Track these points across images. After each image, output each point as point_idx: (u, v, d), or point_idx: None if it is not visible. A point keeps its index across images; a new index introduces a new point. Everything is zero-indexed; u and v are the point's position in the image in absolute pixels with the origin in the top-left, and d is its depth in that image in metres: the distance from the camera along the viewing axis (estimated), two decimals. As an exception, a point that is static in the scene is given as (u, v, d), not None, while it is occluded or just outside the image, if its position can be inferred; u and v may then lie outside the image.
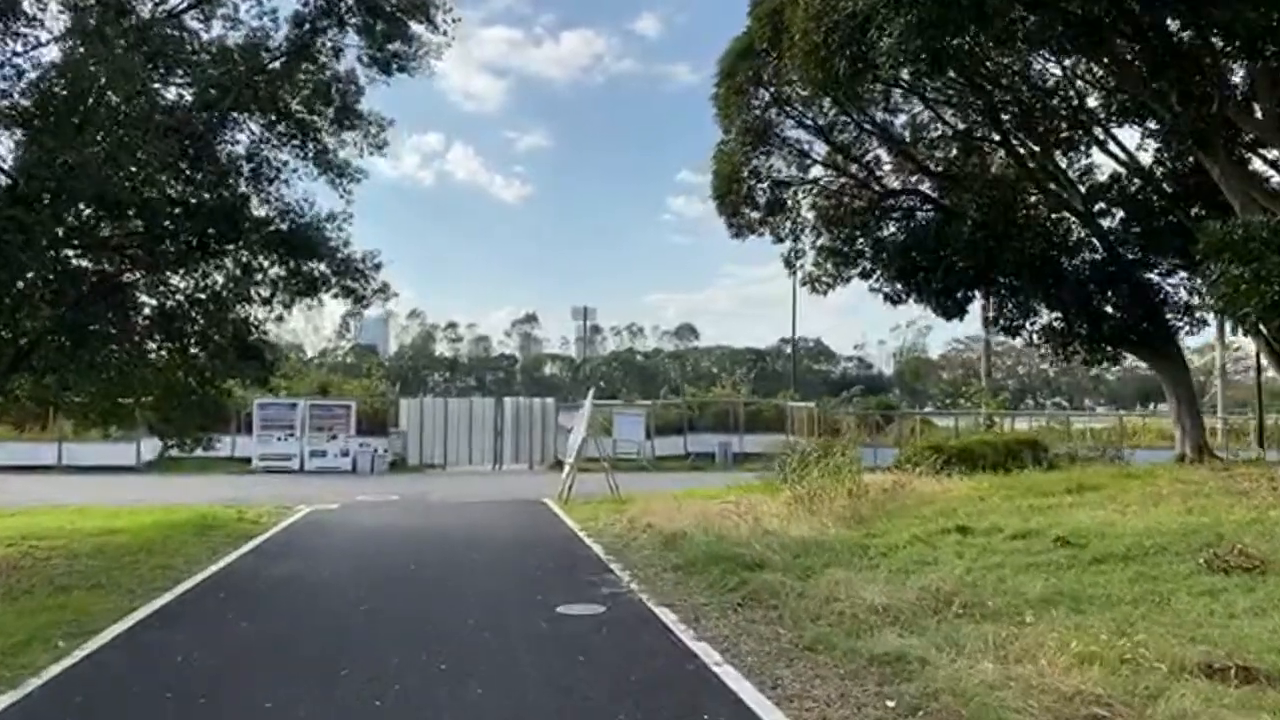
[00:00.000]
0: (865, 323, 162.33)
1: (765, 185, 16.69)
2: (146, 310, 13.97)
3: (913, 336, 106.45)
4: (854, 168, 17.14)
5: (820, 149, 17.31)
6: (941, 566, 8.93)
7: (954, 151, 16.86)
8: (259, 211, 13.64)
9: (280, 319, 15.55)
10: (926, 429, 31.02)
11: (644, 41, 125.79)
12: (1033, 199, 16.44)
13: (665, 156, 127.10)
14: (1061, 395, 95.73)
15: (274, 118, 12.40)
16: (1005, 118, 15.79)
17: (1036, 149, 16.13)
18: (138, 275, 13.18)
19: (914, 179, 16.95)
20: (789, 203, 17.12)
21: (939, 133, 17.03)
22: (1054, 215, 16.23)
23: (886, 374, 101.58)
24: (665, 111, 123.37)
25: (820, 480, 13.18)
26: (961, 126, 16.48)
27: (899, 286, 16.51)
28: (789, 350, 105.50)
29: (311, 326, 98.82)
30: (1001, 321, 16.19)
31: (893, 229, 16.68)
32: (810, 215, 17.49)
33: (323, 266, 15.00)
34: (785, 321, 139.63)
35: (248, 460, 26.53)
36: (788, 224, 17.51)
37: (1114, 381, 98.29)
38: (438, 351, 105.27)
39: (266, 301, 15.03)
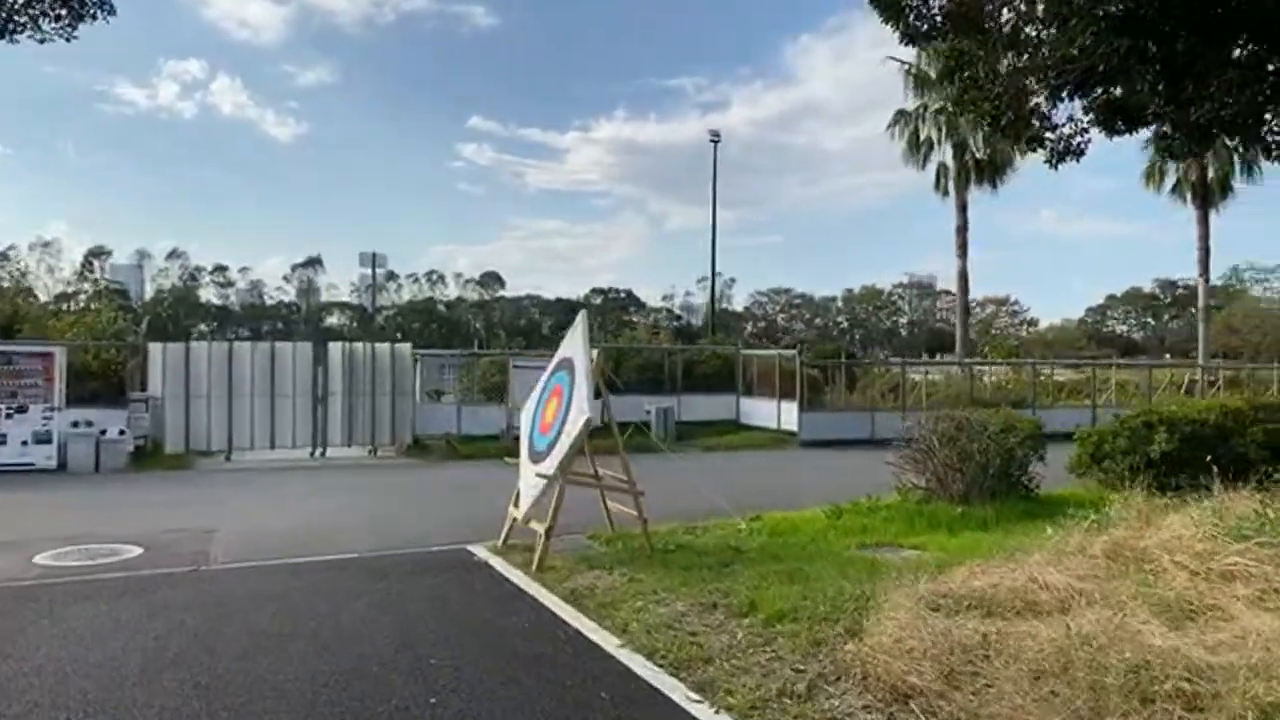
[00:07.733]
0: (675, 274, 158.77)
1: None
2: None
3: (719, 288, 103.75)
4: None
5: None
6: None
7: None
8: None
9: None
10: (906, 384, 23.70)
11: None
12: None
13: (456, 102, 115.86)
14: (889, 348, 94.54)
15: None
16: None
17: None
18: None
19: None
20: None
21: None
22: None
23: (696, 325, 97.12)
24: (458, 54, 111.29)
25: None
26: None
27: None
28: (598, 302, 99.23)
29: (45, 267, 79.79)
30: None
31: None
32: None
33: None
34: (581, 276, 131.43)
35: None
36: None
37: (949, 330, 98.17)
38: (204, 298, 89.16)
39: None
